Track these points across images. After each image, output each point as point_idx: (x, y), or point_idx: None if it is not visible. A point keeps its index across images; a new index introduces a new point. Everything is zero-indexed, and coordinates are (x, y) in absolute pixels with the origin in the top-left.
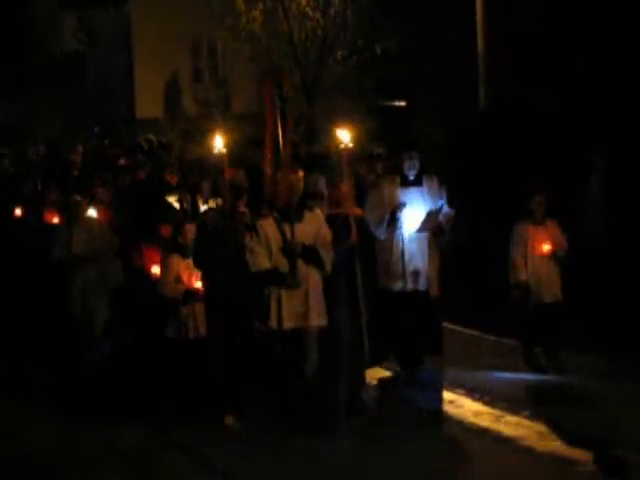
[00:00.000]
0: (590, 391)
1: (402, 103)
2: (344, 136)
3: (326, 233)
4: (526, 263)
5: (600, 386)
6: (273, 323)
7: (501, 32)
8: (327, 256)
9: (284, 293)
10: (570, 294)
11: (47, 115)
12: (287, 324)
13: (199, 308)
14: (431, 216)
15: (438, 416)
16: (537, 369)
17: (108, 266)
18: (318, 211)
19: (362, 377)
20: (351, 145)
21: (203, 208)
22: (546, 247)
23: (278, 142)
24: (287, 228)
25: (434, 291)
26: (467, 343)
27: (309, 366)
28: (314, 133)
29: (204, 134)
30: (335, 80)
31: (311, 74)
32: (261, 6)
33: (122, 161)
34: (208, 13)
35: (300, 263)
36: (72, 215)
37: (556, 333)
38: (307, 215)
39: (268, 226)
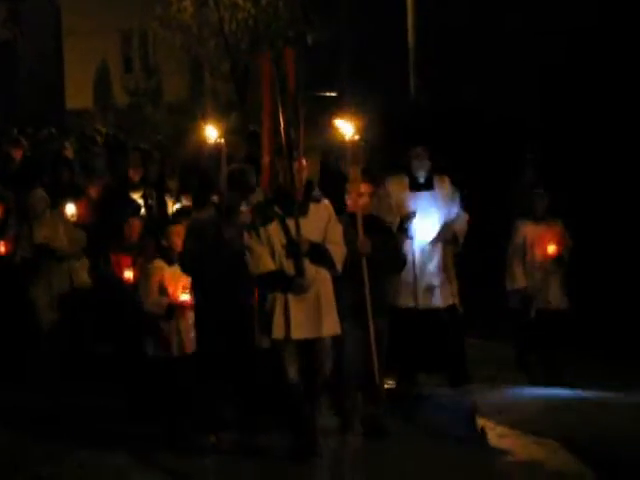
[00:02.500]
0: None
1: (333, 94)
2: (347, 128)
3: (336, 227)
4: (525, 266)
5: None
6: (279, 333)
7: (432, 23)
8: (338, 254)
9: (292, 299)
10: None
11: None
12: (296, 334)
13: (184, 323)
14: (447, 227)
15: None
16: (531, 377)
17: (72, 266)
18: (326, 202)
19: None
20: (357, 137)
21: (175, 207)
22: (551, 248)
23: (278, 127)
24: (291, 224)
25: (459, 306)
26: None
27: (319, 382)
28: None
29: (135, 124)
30: None
31: (242, 64)
32: None
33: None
34: (139, 2)
35: (307, 264)
36: (34, 211)
37: (558, 343)
38: (313, 208)
39: (268, 221)
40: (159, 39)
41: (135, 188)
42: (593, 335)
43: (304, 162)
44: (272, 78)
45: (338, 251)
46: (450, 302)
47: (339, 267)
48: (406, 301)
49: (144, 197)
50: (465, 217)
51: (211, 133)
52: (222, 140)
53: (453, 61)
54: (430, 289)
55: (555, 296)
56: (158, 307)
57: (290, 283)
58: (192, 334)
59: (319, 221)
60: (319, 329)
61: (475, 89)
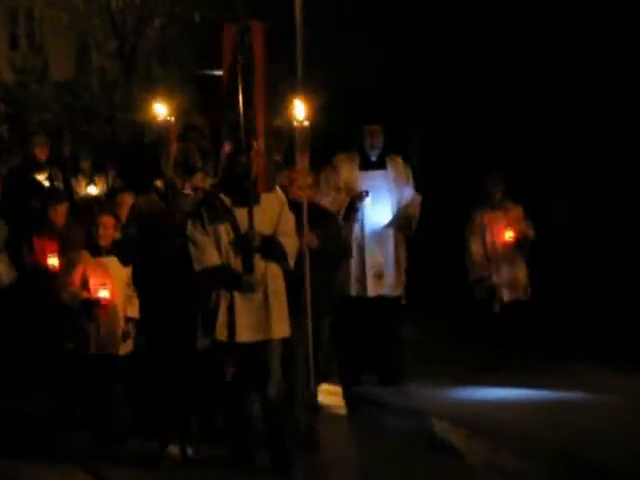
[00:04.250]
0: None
1: (219, 72)
2: (299, 112)
3: (288, 217)
4: (486, 255)
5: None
6: (222, 335)
7: (321, 4)
8: (291, 247)
9: (238, 297)
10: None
11: None
12: (242, 336)
13: (105, 320)
14: (404, 213)
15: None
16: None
17: None
18: (278, 190)
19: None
20: (307, 122)
21: (91, 189)
22: (508, 234)
23: (237, 109)
24: (239, 214)
25: (403, 298)
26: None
27: (271, 388)
28: (131, 102)
29: (22, 102)
30: (153, 49)
31: (129, 43)
32: None
33: None
34: None
35: (257, 259)
36: None
37: (522, 335)
38: (264, 196)
39: (215, 211)
40: (46, 17)
41: (41, 168)
42: (558, 328)
43: (260, 146)
44: (233, 53)
45: (291, 244)
46: (398, 293)
47: (292, 262)
48: (354, 289)
49: (49, 178)
50: (418, 199)
51: (160, 110)
52: (172, 118)
53: (341, 43)
54: (380, 276)
55: (515, 286)
56: (75, 299)
57: (237, 280)
58: (114, 333)
59: (271, 211)
60: (267, 331)
61: (361, 71)
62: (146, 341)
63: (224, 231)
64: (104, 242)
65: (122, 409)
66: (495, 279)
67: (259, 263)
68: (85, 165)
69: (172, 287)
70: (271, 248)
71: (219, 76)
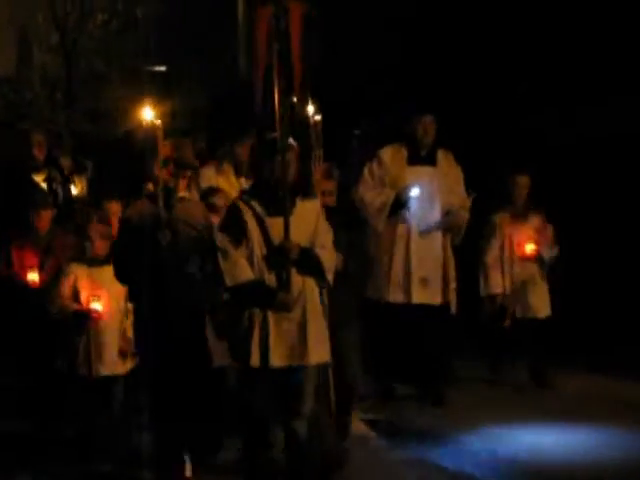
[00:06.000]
0: None
1: (162, 68)
2: (310, 109)
3: (326, 228)
4: (503, 267)
5: None
6: (256, 360)
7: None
8: (329, 261)
9: (272, 316)
10: None
11: None
12: (276, 361)
13: (97, 336)
14: (454, 215)
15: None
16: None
17: None
18: (315, 199)
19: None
20: (319, 118)
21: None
22: (530, 247)
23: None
24: (273, 223)
25: (454, 306)
26: None
27: (300, 424)
28: (73, 97)
29: None
30: (95, 44)
31: (71, 38)
32: None
33: None
34: None
35: (294, 274)
36: None
37: (541, 355)
38: (300, 204)
39: (247, 220)
40: None
41: (38, 170)
42: (580, 347)
43: (295, 147)
44: (268, 34)
45: (328, 257)
46: (444, 300)
47: (330, 277)
48: (397, 296)
49: (48, 180)
50: (468, 203)
51: (146, 114)
52: (159, 122)
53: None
54: (425, 282)
55: (535, 303)
56: (64, 311)
57: (272, 297)
58: (109, 352)
59: (307, 220)
60: (304, 356)
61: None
62: (141, 360)
63: (257, 243)
64: (101, 252)
65: (120, 432)
66: (509, 294)
67: (296, 279)
68: (64, 163)
69: (167, 300)
70: (309, 262)
71: (160, 72)
